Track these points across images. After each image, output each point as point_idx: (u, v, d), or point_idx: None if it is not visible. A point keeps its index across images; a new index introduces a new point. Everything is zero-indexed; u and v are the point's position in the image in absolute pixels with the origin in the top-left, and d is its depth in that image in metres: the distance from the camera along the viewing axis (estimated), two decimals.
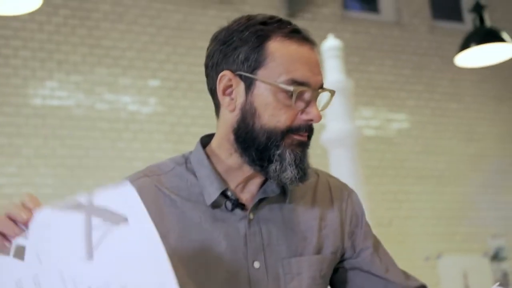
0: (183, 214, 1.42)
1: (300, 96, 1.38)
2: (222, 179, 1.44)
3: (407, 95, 7.29)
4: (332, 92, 1.45)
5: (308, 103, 1.39)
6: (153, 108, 6.19)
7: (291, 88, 1.36)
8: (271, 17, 1.43)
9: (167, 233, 1.38)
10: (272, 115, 1.38)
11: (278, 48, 1.38)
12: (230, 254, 1.41)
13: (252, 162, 1.41)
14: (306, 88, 1.37)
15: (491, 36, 5.50)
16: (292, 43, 1.39)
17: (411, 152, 7.09)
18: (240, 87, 1.40)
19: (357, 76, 6.90)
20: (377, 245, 1.59)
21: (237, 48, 1.40)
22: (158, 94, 6.23)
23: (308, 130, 1.41)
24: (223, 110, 1.45)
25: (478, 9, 5.66)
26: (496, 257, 7.18)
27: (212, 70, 1.46)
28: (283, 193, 1.48)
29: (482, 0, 6.71)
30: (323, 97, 1.47)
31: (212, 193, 1.42)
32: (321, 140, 5.34)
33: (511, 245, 7.24)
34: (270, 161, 1.38)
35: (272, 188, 1.46)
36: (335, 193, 1.57)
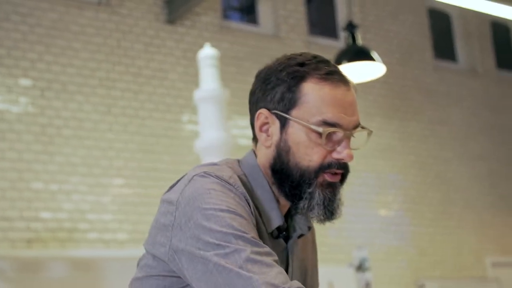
0: (258, 225, 1.46)
1: (331, 136, 1.44)
2: (279, 207, 1.49)
3: None
4: (369, 132, 1.51)
5: (339, 143, 1.45)
6: (23, 108, 6.00)
7: (321, 129, 1.42)
8: (311, 58, 1.48)
9: None
10: (305, 154, 1.44)
11: (312, 89, 1.44)
12: None
13: (286, 196, 1.47)
14: (337, 129, 1.43)
15: (361, 54, 5.71)
16: (326, 84, 1.44)
17: None
18: (276, 125, 1.46)
19: (234, 86, 6.97)
20: None
21: (275, 87, 1.47)
22: (29, 94, 6.04)
23: (342, 168, 1.46)
24: (260, 146, 1.50)
25: (350, 28, 5.86)
26: (360, 267, 7.42)
27: (253, 106, 1.51)
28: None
29: (356, 20, 6.96)
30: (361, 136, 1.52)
31: (273, 220, 1.47)
32: (195, 148, 5.36)
33: (373, 256, 7.51)
34: (300, 198, 1.45)
35: (303, 224, 1.54)
36: (312, 233, 1.67)
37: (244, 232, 1.34)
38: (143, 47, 6.76)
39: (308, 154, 1.44)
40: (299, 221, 1.54)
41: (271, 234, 1.49)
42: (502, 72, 9.64)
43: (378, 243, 7.81)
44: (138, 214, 6.31)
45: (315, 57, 1.49)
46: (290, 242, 1.52)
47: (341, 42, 7.98)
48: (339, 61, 5.72)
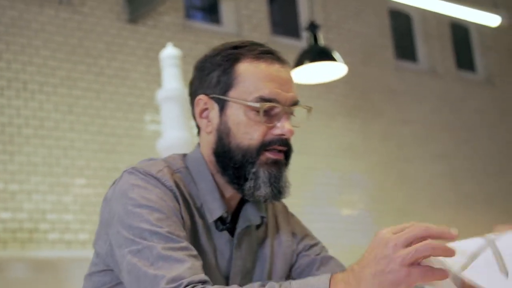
0: (193, 218, 1.45)
1: (269, 112, 1.44)
2: (222, 198, 1.48)
3: None
4: (308, 109, 1.50)
5: (279, 119, 1.44)
6: None
7: (256, 104, 1.42)
8: (246, 42, 1.49)
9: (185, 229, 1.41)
10: (245, 133, 1.43)
11: (247, 69, 1.45)
12: (218, 272, 1.46)
13: (231, 181, 1.46)
14: (274, 104, 1.43)
15: (323, 54, 5.74)
16: (261, 63, 1.45)
17: None
18: (215, 109, 1.47)
19: None
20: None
21: (210, 72, 1.47)
22: None
23: (284, 145, 1.45)
24: (202, 133, 1.51)
25: (313, 28, 5.89)
26: None
27: (192, 96, 1.52)
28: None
29: (318, 20, 6.99)
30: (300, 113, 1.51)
31: (214, 210, 1.46)
32: (157, 147, 5.34)
33: (337, 255, 7.55)
34: (245, 179, 1.44)
35: (253, 214, 1.52)
36: (281, 216, 1.64)
37: (160, 227, 1.33)
38: (104, 46, 6.71)
39: (248, 133, 1.43)
40: (250, 211, 1.52)
41: (216, 225, 1.48)
42: (461, 72, 9.78)
43: (341, 242, 7.87)
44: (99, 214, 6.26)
45: (248, 41, 1.51)
46: (237, 233, 1.50)
47: (303, 42, 8.02)
48: (301, 61, 5.75)
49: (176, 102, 5.20)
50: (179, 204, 1.42)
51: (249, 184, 1.44)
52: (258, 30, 7.82)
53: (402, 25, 9.54)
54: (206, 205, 1.47)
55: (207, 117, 1.48)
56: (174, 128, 5.25)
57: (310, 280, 1.24)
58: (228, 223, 1.49)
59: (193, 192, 1.47)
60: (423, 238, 1.14)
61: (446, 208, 8.58)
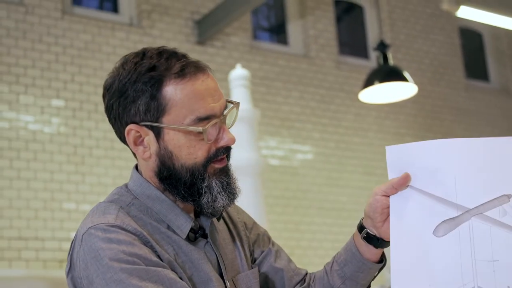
0: (170, 239, 1.45)
1: (209, 129, 1.42)
2: (183, 211, 1.48)
3: (313, 127, 7.40)
4: (237, 105, 1.49)
5: (218, 131, 1.44)
6: (55, 129, 6.05)
7: (199, 128, 1.40)
8: (158, 57, 1.44)
9: (166, 256, 1.42)
10: (189, 154, 1.43)
11: (174, 93, 1.41)
12: (214, 276, 1.47)
13: (184, 198, 1.46)
14: (213, 120, 1.42)
15: (393, 74, 5.68)
16: (185, 81, 1.42)
17: (314, 184, 7.19)
18: (150, 135, 1.45)
19: (263, 106, 6.97)
20: (272, 242, 1.71)
21: (135, 100, 1.43)
22: (61, 114, 6.09)
23: (227, 151, 1.47)
24: (140, 159, 1.50)
25: (382, 47, 5.83)
26: None
27: (116, 122, 1.48)
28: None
29: (386, 39, 6.92)
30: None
31: (183, 226, 1.46)
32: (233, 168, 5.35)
33: None
34: (200, 194, 1.44)
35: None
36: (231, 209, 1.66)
37: (152, 281, 1.32)
38: None
39: (191, 153, 1.42)
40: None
41: (188, 239, 1.46)
42: None
43: None
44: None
45: (160, 53, 1.45)
46: (208, 232, 1.50)
47: (371, 62, 7.95)
48: (370, 81, 5.70)
49: (245, 122, 5.20)
50: (150, 242, 1.40)
51: (205, 198, 1.44)
52: (326, 50, 7.79)
53: (473, 44, 9.37)
54: (172, 224, 1.45)
55: (142, 144, 1.46)
56: (243, 149, 5.25)
57: None
58: (199, 229, 1.49)
59: (155, 217, 1.45)
60: None
61: None
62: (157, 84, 1.41)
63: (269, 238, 1.71)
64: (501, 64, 9.36)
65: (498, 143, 1.43)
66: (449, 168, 1.42)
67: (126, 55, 1.49)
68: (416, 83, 5.91)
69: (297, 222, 6.91)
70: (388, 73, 5.72)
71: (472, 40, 9.37)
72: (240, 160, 5.21)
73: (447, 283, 1.36)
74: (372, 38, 8.24)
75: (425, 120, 8.32)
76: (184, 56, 1.46)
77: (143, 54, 1.46)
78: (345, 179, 7.41)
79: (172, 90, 1.41)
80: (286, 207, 6.97)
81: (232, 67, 5.50)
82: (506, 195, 1.36)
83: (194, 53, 6.90)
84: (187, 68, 1.43)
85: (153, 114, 1.42)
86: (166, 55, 1.44)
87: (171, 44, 6.94)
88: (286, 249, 6.36)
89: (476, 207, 1.38)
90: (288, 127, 7.24)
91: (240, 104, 5.25)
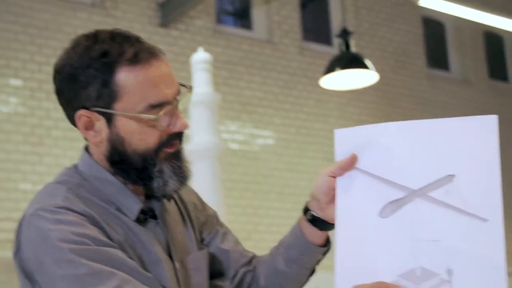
0: (120, 220, 1.44)
1: (162, 116, 1.41)
2: (133, 193, 1.47)
3: (274, 112, 7.42)
4: (190, 88, 1.48)
5: (171, 117, 1.42)
6: (13, 108, 5.96)
7: (151, 116, 1.39)
8: (110, 41, 1.42)
9: (116, 236, 1.41)
10: (140, 140, 1.41)
11: (127, 79, 1.39)
12: (163, 257, 1.46)
13: (135, 182, 1.45)
14: (166, 107, 1.40)
15: (355, 61, 5.71)
16: (138, 68, 1.40)
17: (274, 169, 7.21)
18: (101, 121, 1.42)
19: (225, 90, 6.96)
20: (221, 223, 1.71)
21: (87, 86, 1.40)
22: (19, 94, 6.01)
23: (179, 137, 1.45)
24: (91, 143, 1.48)
25: (344, 34, 5.86)
26: None
27: (66, 105, 1.46)
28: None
29: (350, 27, 6.95)
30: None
31: (132, 207, 1.46)
32: (186, 152, 5.33)
33: None
34: (151, 178, 1.43)
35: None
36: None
37: (97, 263, 1.32)
38: None
39: (143, 139, 1.41)
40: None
41: (138, 220, 1.46)
42: (494, 82, 9.66)
43: None
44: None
45: (112, 37, 1.42)
46: (158, 213, 1.50)
47: (335, 49, 7.98)
48: (332, 67, 5.72)
49: (206, 106, 5.19)
50: (99, 222, 1.39)
51: (156, 182, 1.43)
52: (289, 36, 7.80)
53: (435, 34, 9.45)
54: (121, 205, 1.45)
55: (93, 129, 1.44)
56: (203, 133, 5.25)
57: None
58: (149, 210, 1.49)
59: (104, 199, 1.45)
60: None
61: None
62: (110, 70, 1.39)
63: (217, 220, 1.70)
64: (462, 55, 9.47)
65: (442, 124, 1.45)
66: (395, 150, 1.44)
67: (77, 37, 1.46)
68: (378, 71, 5.95)
69: (255, 207, 6.93)
70: (350, 60, 5.75)
71: (434, 30, 9.45)
72: (199, 143, 5.20)
73: (391, 263, 1.38)
74: (336, 25, 8.26)
75: (386, 108, 8.39)
76: (137, 40, 1.43)
77: (95, 37, 1.43)
78: (305, 165, 7.44)
79: (124, 77, 1.39)
80: (245, 192, 6.99)
81: (195, 50, 5.47)
82: (450, 175, 1.38)
83: (157, 35, 6.86)
84: (141, 54, 1.40)
85: (105, 101, 1.40)
86: (119, 40, 1.42)
87: (134, 27, 6.88)
88: (244, 234, 6.41)
89: (420, 188, 1.40)
90: (249, 112, 7.24)
91: (201, 88, 5.17)
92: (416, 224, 1.39)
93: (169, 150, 1.44)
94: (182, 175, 1.45)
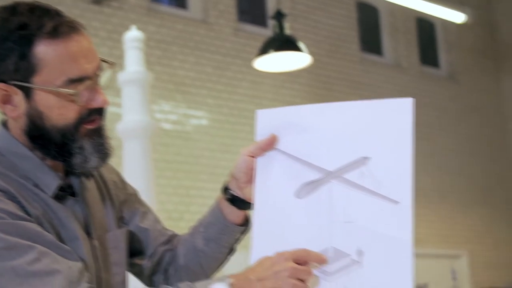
0: (38, 196, 1.42)
1: (81, 91, 1.39)
2: (51, 169, 1.45)
3: (208, 93, 7.40)
4: (112, 65, 1.47)
5: (91, 92, 1.41)
6: None
7: (70, 90, 1.37)
8: (29, 13, 1.39)
9: (33, 211, 1.39)
10: (59, 114, 1.39)
11: (46, 52, 1.37)
12: (81, 235, 1.45)
13: (55, 158, 1.44)
14: (85, 81, 1.39)
15: (288, 44, 5.73)
16: (58, 42, 1.38)
17: (207, 149, 7.21)
18: (19, 95, 1.40)
19: (158, 70, 6.91)
20: (142, 203, 1.70)
21: (4, 58, 1.38)
22: None
23: (100, 114, 1.44)
24: (9, 118, 1.45)
25: (279, 16, 5.87)
26: None
27: None
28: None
29: (284, 9, 6.97)
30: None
31: (50, 184, 1.44)
32: (116, 131, 5.28)
33: None
34: (71, 155, 1.42)
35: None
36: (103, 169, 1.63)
37: (15, 237, 1.31)
38: None
39: (63, 114, 1.40)
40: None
41: (57, 197, 1.45)
42: (425, 68, 9.85)
43: None
44: None
45: (31, 10, 1.40)
46: (77, 190, 1.50)
47: (269, 31, 7.99)
48: (265, 49, 5.73)
49: (138, 85, 5.14)
50: (16, 197, 1.38)
51: (76, 159, 1.43)
52: (225, 16, 7.77)
53: (369, 18, 9.56)
54: (39, 182, 1.44)
55: (11, 102, 1.42)
56: (135, 112, 5.20)
57: (210, 285, 1.33)
58: (68, 187, 1.49)
59: (21, 175, 1.43)
60: (306, 259, 1.35)
61: None
62: (28, 43, 1.37)
63: (138, 199, 1.71)
64: (395, 40, 9.61)
65: (360, 106, 1.48)
66: (313, 132, 1.46)
67: None
68: (312, 54, 5.99)
69: (187, 187, 6.93)
70: (284, 42, 5.76)
71: (368, 14, 9.56)
72: (131, 122, 5.15)
73: (305, 244, 1.40)
74: (271, 7, 8.27)
75: (320, 91, 8.46)
76: (57, 13, 1.41)
77: (13, 9, 1.40)
78: (238, 146, 7.44)
79: (43, 50, 1.37)
80: (177, 172, 6.97)
81: (128, 29, 5.40)
82: (364, 157, 1.41)
83: (90, 12, 6.75)
84: (61, 27, 1.38)
85: (23, 74, 1.38)
86: (39, 13, 1.39)
87: (65, 3, 6.75)
88: (176, 214, 6.40)
89: (336, 169, 1.42)
90: (182, 92, 7.21)
91: (133, 67, 5.09)
92: (331, 206, 1.41)
93: (90, 126, 1.43)
94: (103, 152, 1.45)
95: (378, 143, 1.42)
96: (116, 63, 1.49)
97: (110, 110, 5.73)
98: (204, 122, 7.36)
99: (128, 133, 5.18)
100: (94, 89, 1.41)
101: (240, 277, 1.34)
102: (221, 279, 1.34)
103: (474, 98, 10.01)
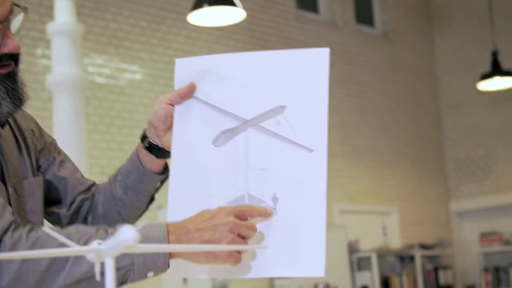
0: None
1: None
2: None
3: (142, 47, 7.31)
4: (25, 9, 1.44)
5: (2, 37, 1.38)
6: None
7: None
8: None
9: None
10: None
11: None
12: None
13: None
14: None
15: None
16: None
17: (141, 104, 7.15)
18: None
19: (91, 22, 6.79)
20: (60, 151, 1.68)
21: None
22: None
23: (13, 58, 1.42)
24: None
25: None
26: None
27: None
28: None
29: None
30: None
31: None
32: (47, 83, 5.19)
33: None
34: None
35: None
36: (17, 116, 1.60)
37: None
38: None
39: None
40: None
41: None
42: (360, 26, 9.92)
43: None
44: None
45: None
46: None
47: None
48: (200, 4, 5.67)
49: (68, 37, 5.05)
50: None
51: None
52: None
53: None
54: None
55: None
56: (65, 64, 5.12)
57: (146, 231, 1.31)
58: None
59: None
60: (247, 214, 1.35)
61: (333, 158, 8.74)
62: None
63: (55, 147, 1.69)
64: None
65: (278, 55, 1.49)
66: (232, 80, 1.48)
67: None
68: (247, 10, 5.96)
69: (121, 142, 6.88)
70: None
71: None
72: (61, 75, 5.07)
73: (221, 191, 1.42)
74: None
75: (255, 47, 8.45)
76: None
77: None
78: None
79: None
80: (111, 127, 6.91)
81: None
82: (281, 106, 1.43)
83: None
84: None
85: None
86: None
87: None
88: (110, 169, 6.36)
89: (253, 118, 1.44)
90: (116, 46, 7.11)
91: (63, 18, 4.97)
92: (247, 153, 1.43)
93: (2, 71, 1.40)
94: (17, 97, 1.43)
95: (295, 92, 1.44)
96: (28, 8, 1.46)
97: (40, 62, 5.69)
98: (138, 76, 7.29)
99: (59, 86, 5.10)
100: (5, 33, 1.39)
101: (178, 225, 1.34)
102: (158, 226, 1.33)
103: (407, 58, 10.16)
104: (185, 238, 1.31)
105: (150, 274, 1.31)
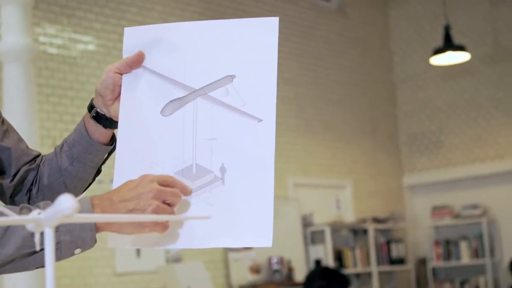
0: None
1: None
2: None
3: (95, 17, 7.20)
4: None
5: None
6: None
7: None
8: None
9: None
10: None
11: None
12: None
13: None
14: None
15: None
16: None
17: (94, 75, 7.05)
18: None
19: None
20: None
21: None
22: None
23: None
24: None
25: None
26: None
27: None
28: None
29: None
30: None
31: None
32: None
33: None
34: None
35: None
36: None
37: None
38: None
39: None
40: None
41: None
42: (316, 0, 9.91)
43: None
44: None
45: None
46: None
47: None
48: None
49: (17, 5, 4.95)
50: None
51: None
52: None
53: None
54: None
55: None
56: (15, 33, 5.01)
57: None
58: None
59: None
60: (170, 185, 1.35)
61: (287, 132, 8.76)
62: None
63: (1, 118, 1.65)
64: None
65: (227, 24, 1.48)
66: (181, 50, 1.46)
67: None
68: None
69: (73, 114, 6.78)
70: None
71: None
72: (11, 44, 4.97)
73: (169, 161, 1.40)
74: None
75: (210, 19, 8.35)
76: None
77: None
78: None
79: None
80: (63, 98, 6.80)
81: None
82: (230, 75, 1.41)
83: None
84: None
85: None
86: None
87: None
88: (61, 141, 6.23)
89: (201, 87, 1.42)
90: (68, 15, 6.98)
91: None
92: (195, 123, 1.42)
93: None
94: None
95: (244, 61, 1.43)
96: None
97: None
98: (91, 47, 7.18)
99: (8, 55, 5.00)
100: None
101: (103, 197, 1.32)
102: (83, 200, 1.31)
103: (362, 31, 10.20)
104: (111, 210, 1.29)
105: (77, 251, 1.29)
